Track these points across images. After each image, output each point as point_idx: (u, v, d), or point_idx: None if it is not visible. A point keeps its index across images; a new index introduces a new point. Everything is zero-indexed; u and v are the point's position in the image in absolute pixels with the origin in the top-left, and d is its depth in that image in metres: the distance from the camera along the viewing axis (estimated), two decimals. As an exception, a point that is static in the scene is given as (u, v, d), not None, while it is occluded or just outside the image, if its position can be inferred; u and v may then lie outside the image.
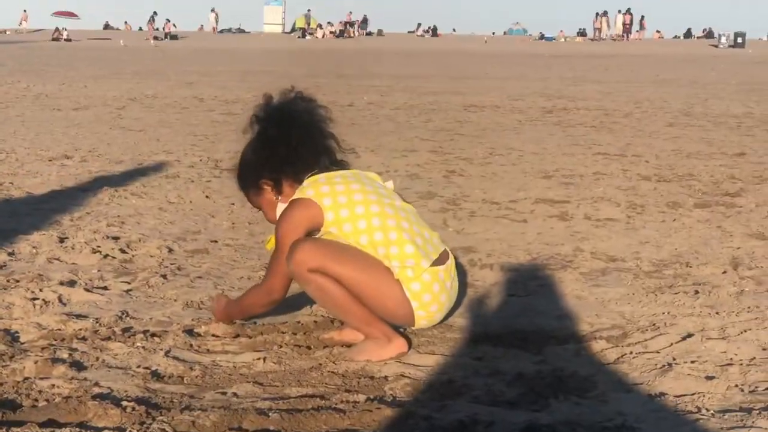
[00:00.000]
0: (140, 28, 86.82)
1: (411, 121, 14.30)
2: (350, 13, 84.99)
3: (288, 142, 4.15)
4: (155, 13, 77.75)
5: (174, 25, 78.81)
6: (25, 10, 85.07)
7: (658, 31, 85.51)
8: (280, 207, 4.19)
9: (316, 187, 4.05)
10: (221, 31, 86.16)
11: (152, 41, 67.23)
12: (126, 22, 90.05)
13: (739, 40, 67.88)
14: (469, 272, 5.46)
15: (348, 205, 4.00)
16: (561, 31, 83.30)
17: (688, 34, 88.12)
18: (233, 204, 7.47)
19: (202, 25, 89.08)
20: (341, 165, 4.26)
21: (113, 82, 22.86)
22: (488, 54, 49.89)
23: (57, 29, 70.69)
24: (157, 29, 76.69)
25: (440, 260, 4.10)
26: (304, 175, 4.15)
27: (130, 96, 18.49)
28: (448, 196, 7.96)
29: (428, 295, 4.01)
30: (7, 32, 77.04)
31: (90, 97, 18.03)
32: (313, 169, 4.16)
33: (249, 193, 4.38)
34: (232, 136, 12.03)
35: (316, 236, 4.09)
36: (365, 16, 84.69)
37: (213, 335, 4.29)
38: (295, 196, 4.10)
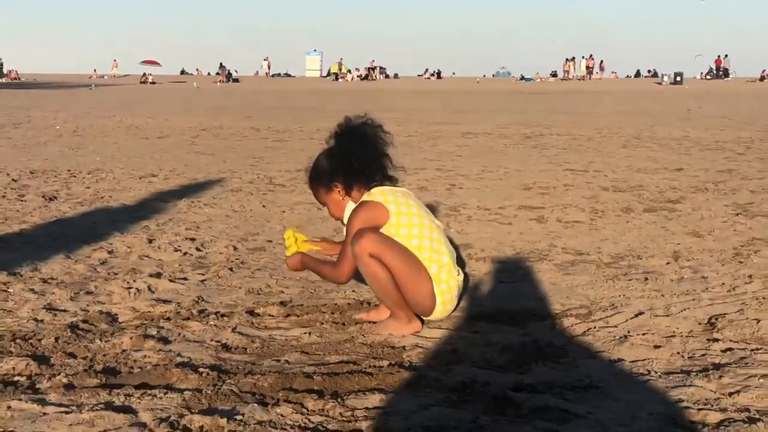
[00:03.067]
0: (209, 73, 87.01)
1: (420, 145, 14.27)
2: (373, 60, 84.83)
3: (362, 156, 4.15)
4: (222, 64, 78.10)
5: (235, 71, 78.99)
6: (115, 60, 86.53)
7: (613, 72, 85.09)
8: (350, 206, 4.18)
9: (384, 196, 4.07)
10: (272, 76, 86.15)
11: (219, 84, 67.31)
12: (197, 69, 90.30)
13: (678, 78, 67.64)
14: (468, 263, 5.44)
15: (407, 215, 4.04)
16: (537, 73, 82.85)
17: (637, 74, 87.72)
18: (284, 212, 7.50)
19: (257, 71, 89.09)
20: (392, 179, 4.29)
21: (189, 117, 22.87)
22: (480, 92, 49.79)
23: (144, 74, 70.99)
24: (220, 73, 76.83)
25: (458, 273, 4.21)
26: (370, 184, 4.17)
27: (201, 127, 18.50)
28: (451, 204, 7.94)
29: (449, 295, 4.07)
30: (105, 77, 77.33)
31: (170, 128, 18.04)
32: (375, 179, 4.19)
33: (319, 190, 4.30)
34: (282, 158, 12.16)
35: None
36: (380, 65, 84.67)
37: (269, 315, 4.30)
38: (365, 199, 4.12)
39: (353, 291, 4.75)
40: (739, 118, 21.95)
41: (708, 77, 76.92)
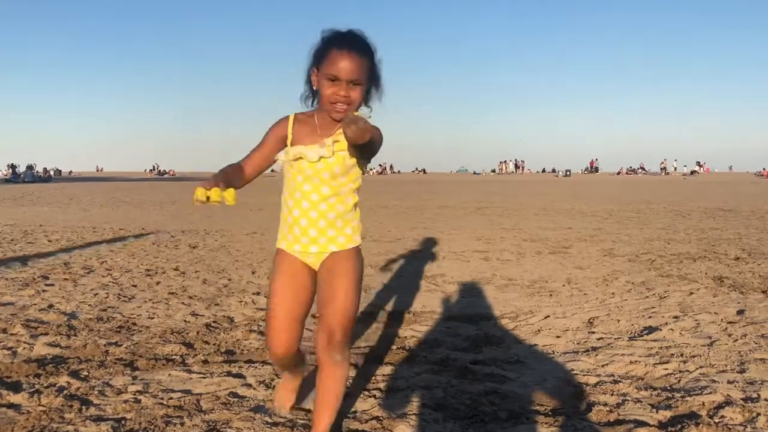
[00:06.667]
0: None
1: (413, 214, 14.30)
2: (385, 162, 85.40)
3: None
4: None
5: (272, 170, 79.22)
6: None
7: (530, 169, 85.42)
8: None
9: None
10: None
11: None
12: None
13: (568, 172, 67.70)
14: (442, 286, 5.42)
15: None
16: (483, 170, 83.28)
17: (543, 170, 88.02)
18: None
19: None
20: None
21: (279, 195, 22.88)
22: (449, 181, 49.90)
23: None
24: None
25: None
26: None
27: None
28: (432, 249, 7.93)
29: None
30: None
31: (267, 203, 17.99)
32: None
33: (364, 70, 2.10)
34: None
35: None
36: (391, 164, 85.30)
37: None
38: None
39: (383, 308, 4.72)
40: (604, 197, 21.94)
41: (586, 172, 77.06)
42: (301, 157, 2.00)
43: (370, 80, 1.99)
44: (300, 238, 2.06)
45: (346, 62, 1.90)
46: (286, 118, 2.08)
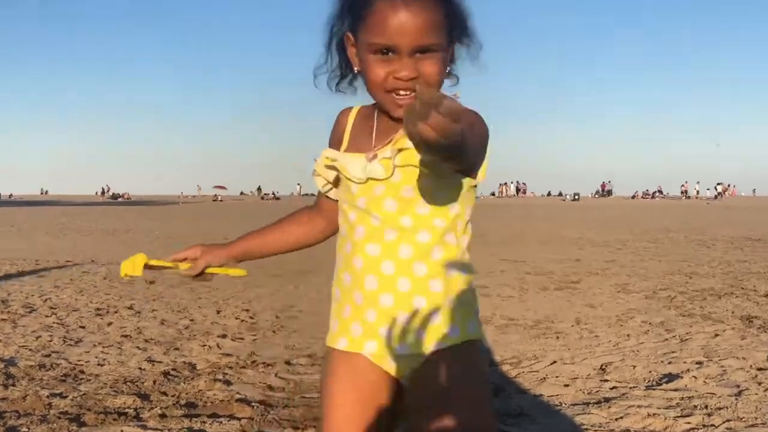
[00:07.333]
0: (260, 193, 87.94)
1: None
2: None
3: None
4: (259, 187, 79.07)
5: (277, 191, 79.88)
6: (198, 185, 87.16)
7: (533, 193, 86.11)
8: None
9: None
10: (304, 195, 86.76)
11: (267, 200, 67.59)
12: (251, 191, 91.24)
13: (576, 196, 68.31)
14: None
15: None
16: (481, 193, 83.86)
17: (548, 193, 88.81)
18: (311, 291, 7.48)
19: (293, 192, 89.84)
20: None
21: (245, 224, 22.87)
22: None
23: (215, 196, 71.07)
24: (266, 194, 77.56)
25: None
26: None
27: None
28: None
29: None
30: (188, 197, 77.64)
31: (233, 232, 17.95)
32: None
33: (438, 27, 1.46)
34: (311, 257, 12.10)
35: None
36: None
37: (300, 364, 4.27)
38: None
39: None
40: (617, 225, 22.11)
41: (596, 196, 77.75)
42: (338, 172, 1.39)
43: (452, 36, 1.33)
44: (370, 328, 1.35)
45: (404, 17, 1.24)
46: (348, 110, 1.47)
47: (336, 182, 1.44)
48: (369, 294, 1.34)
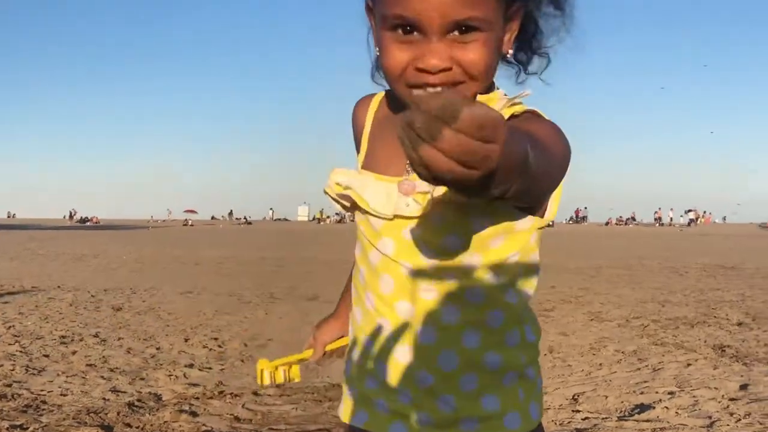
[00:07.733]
0: (232, 217, 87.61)
1: (339, 270, 14.24)
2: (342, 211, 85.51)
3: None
4: (231, 211, 78.72)
5: (249, 216, 79.57)
6: (169, 209, 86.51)
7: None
8: (498, 97, 1.16)
9: None
10: (275, 220, 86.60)
11: (239, 225, 67.23)
12: (222, 215, 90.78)
13: (551, 223, 68.38)
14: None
15: None
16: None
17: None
18: (281, 318, 7.41)
19: (265, 216, 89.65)
20: None
21: (216, 249, 22.74)
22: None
23: (186, 220, 70.43)
24: (239, 218, 77.26)
25: None
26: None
27: (225, 256, 18.40)
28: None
29: None
30: (158, 221, 76.91)
31: (203, 257, 17.92)
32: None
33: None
34: (281, 279, 12.06)
35: None
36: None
37: (268, 395, 4.22)
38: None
39: (328, 376, 4.64)
40: (591, 252, 22.30)
41: (571, 222, 78.48)
42: (352, 202, 1.07)
43: (510, 4, 0.96)
44: (391, 396, 1.06)
45: None
46: (367, 99, 1.14)
47: (354, 206, 1.07)
48: (400, 368, 1.02)
